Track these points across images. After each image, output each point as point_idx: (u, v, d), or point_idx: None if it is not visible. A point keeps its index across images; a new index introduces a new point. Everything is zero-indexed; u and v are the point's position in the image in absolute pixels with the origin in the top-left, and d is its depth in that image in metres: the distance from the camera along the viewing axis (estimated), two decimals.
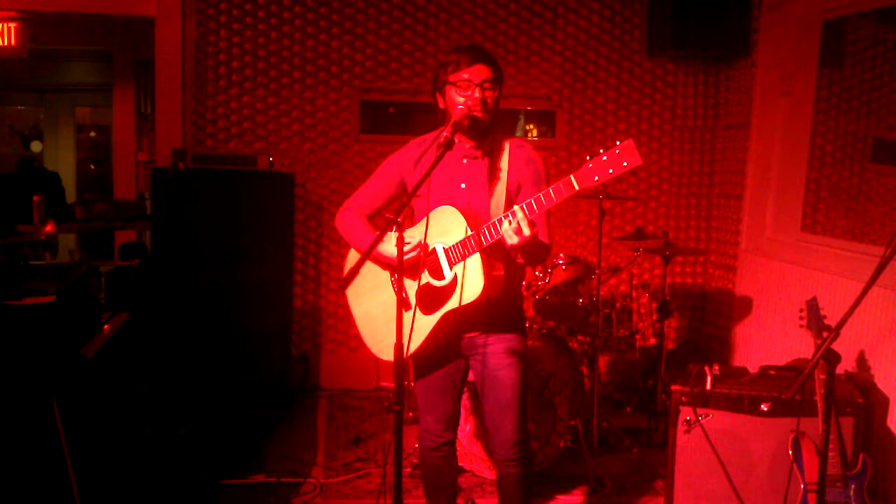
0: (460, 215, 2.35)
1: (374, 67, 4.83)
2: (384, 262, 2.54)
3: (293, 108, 4.81)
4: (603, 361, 4.69)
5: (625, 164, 2.05)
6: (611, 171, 2.07)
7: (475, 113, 2.38)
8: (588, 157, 2.10)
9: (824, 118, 4.56)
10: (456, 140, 2.49)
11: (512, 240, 2.18)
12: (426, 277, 2.42)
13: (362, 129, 4.88)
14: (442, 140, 2.28)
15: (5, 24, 6.10)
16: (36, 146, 9.72)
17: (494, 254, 2.37)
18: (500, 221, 2.22)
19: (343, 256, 4.95)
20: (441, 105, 2.49)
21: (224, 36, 4.72)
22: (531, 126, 5.17)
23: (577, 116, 5.04)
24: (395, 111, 4.94)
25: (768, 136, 4.55)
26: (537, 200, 2.19)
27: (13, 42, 6.17)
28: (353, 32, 4.80)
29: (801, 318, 2.92)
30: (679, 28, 4.58)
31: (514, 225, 2.17)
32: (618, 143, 2.06)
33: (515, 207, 2.17)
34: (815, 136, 4.52)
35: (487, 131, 2.48)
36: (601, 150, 2.08)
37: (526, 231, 2.16)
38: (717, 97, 5.10)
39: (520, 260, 2.42)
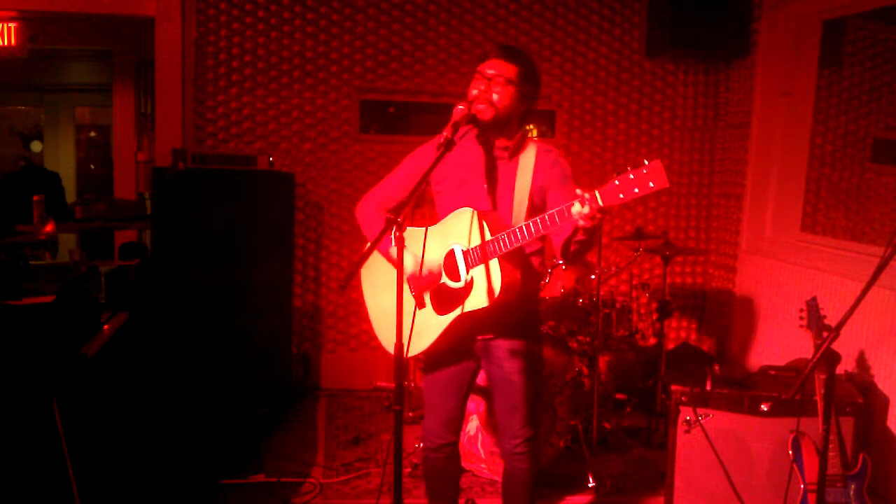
0: (481, 218, 2.34)
1: (374, 67, 4.83)
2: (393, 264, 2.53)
3: (293, 108, 4.81)
4: (603, 361, 4.69)
5: (651, 184, 1.99)
6: (636, 190, 2.00)
7: (479, 107, 2.37)
8: (615, 174, 2.04)
9: (824, 118, 4.56)
10: (480, 140, 2.48)
11: (582, 222, 2.10)
12: (443, 278, 2.42)
13: (362, 129, 4.87)
14: (441, 140, 2.27)
15: (5, 24, 6.09)
16: (36, 146, 9.72)
17: (512, 259, 2.36)
18: (570, 206, 2.11)
19: (343, 256, 4.98)
20: None
21: (224, 36, 4.72)
22: (531, 126, 5.17)
23: (577, 116, 5.04)
24: (395, 111, 4.93)
25: (768, 136, 4.55)
26: (560, 213, 2.15)
27: (13, 42, 6.16)
28: (353, 32, 4.79)
29: (801, 318, 2.92)
30: (679, 28, 4.58)
31: (586, 209, 2.07)
32: (645, 162, 2.00)
33: (596, 191, 2.07)
34: (815, 136, 4.53)
35: (504, 129, 2.46)
36: (629, 168, 2.01)
37: (594, 217, 2.08)
38: (717, 97, 5.10)
39: (577, 238, 2.29)
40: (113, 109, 7.53)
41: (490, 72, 2.39)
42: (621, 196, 2.02)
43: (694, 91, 5.10)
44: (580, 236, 2.24)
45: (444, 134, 2.29)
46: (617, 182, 2.03)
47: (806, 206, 4.55)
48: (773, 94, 4.50)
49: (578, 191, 2.08)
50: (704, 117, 5.13)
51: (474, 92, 2.39)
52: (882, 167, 4.68)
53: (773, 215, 4.55)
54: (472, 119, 2.38)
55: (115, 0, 4.83)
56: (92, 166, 9.66)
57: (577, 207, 2.09)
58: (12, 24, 6.11)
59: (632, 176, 2.01)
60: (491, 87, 2.38)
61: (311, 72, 4.80)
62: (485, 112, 2.39)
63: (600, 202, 2.05)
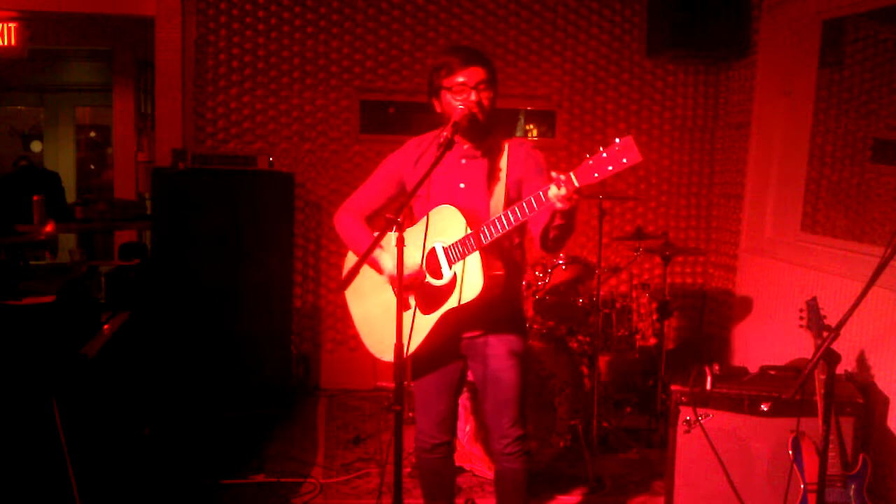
0: (459, 214, 2.35)
1: (374, 67, 4.83)
2: (378, 270, 2.53)
3: (293, 108, 4.81)
4: (603, 361, 4.69)
5: (624, 160, 2.02)
6: (610, 167, 2.04)
7: (474, 111, 2.38)
8: (588, 155, 2.08)
9: (824, 118, 4.56)
10: (455, 140, 2.49)
11: (560, 204, 2.12)
12: (426, 277, 2.42)
13: (362, 129, 4.87)
14: (442, 140, 2.28)
15: (5, 24, 6.10)
16: (36, 146, 9.72)
17: (494, 252, 2.36)
18: (547, 189, 2.14)
19: (343, 256, 4.97)
20: (438, 109, 2.50)
21: (224, 36, 4.72)
22: (531, 126, 5.17)
23: (577, 116, 5.04)
24: (395, 111, 4.93)
25: (768, 136, 4.54)
26: (536, 198, 2.17)
27: (13, 42, 6.16)
28: (353, 32, 4.79)
29: (801, 318, 2.91)
30: (679, 28, 4.57)
31: (563, 190, 2.10)
32: (617, 139, 2.03)
33: (570, 173, 2.10)
34: (815, 136, 4.52)
35: (486, 131, 2.48)
36: (601, 148, 2.05)
37: (571, 198, 2.10)
38: (717, 97, 5.10)
39: (559, 220, 2.28)
40: (113, 109, 7.54)
41: (467, 80, 2.38)
42: (596, 175, 2.06)
43: (694, 91, 5.10)
44: (558, 220, 2.25)
45: (445, 133, 2.31)
46: (591, 161, 2.06)
47: (806, 206, 4.54)
48: (773, 94, 4.49)
49: (554, 174, 2.12)
50: (704, 117, 5.13)
51: (457, 104, 2.38)
52: (882, 167, 4.67)
53: (773, 215, 4.55)
54: (472, 118, 2.39)
55: (115, 0, 4.83)
56: (92, 166, 9.65)
57: (553, 190, 2.11)
58: (12, 24, 6.12)
59: (605, 154, 2.05)
60: (479, 95, 2.39)
61: (311, 72, 4.80)
62: (482, 119, 2.41)
63: (575, 183, 2.08)
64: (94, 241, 6.44)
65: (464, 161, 2.50)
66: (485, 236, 2.29)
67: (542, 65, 4.95)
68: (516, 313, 2.61)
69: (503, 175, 2.46)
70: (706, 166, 5.16)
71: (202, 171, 4.30)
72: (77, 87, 9.24)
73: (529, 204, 2.21)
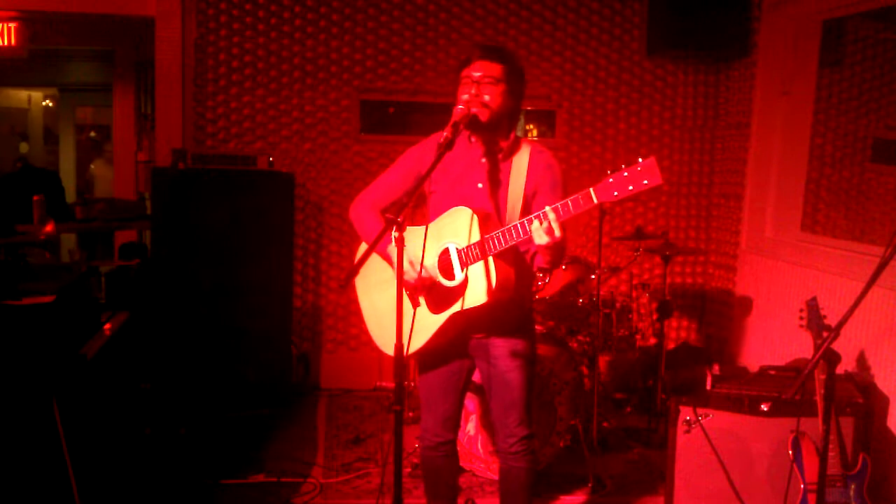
0: (474, 217, 2.35)
1: (374, 67, 4.83)
2: (391, 263, 2.53)
3: (293, 108, 4.81)
4: (603, 361, 4.69)
5: (645, 181, 2.03)
6: (630, 187, 2.05)
7: (473, 110, 2.37)
8: (609, 172, 2.08)
9: (824, 118, 4.56)
10: (473, 140, 2.50)
11: (542, 240, 2.15)
12: (437, 277, 2.42)
13: (362, 129, 4.87)
14: (442, 141, 2.28)
15: (5, 24, 6.10)
16: (23, 147, 9.71)
17: (506, 257, 2.36)
18: (529, 221, 2.18)
19: (343, 256, 4.99)
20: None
21: (224, 36, 4.72)
22: (531, 126, 5.17)
23: (577, 116, 5.04)
24: (395, 111, 4.93)
25: (768, 136, 4.55)
26: (555, 210, 2.17)
27: (13, 42, 6.17)
28: (353, 32, 4.79)
29: (801, 318, 2.92)
30: (679, 28, 4.58)
31: (545, 226, 2.14)
32: (640, 159, 2.04)
33: (547, 209, 2.14)
34: (815, 136, 4.52)
35: (500, 130, 2.47)
36: (623, 166, 2.06)
37: (557, 233, 2.14)
38: (717, 97, 5.10)
39: (543, 264, 2.37)
40: (113, 109, 7.53)
41: (477, 74, 2.39)
42: (615, 193, 2.07)
43: (694, 91, 5.10)
44: (544, 255, 2.31)
45: (445, 134, 2.30)
46: (611, 179, 2.07)
47: (806, 205, 4.55)
48: (773, 94, 4.49)
49: (548, 208, 2.14)
50: (704, 117, 5.13)
51: (465, 97, 2.39)
52: (882, 167, 4.67)
53: (773, 215, 4.55)
54: (471, 119, 2.38)
55: (115, 0, 4.83)
56: (92, 166, 9.65)
57: (535, 225, 2.15)
58: (12, 24, 6.12)
59: (626, 173, 2.06)
60: (481, 89, 2.39)
61: (311, 72, 4.80)
62: (481, 114, 2.40)
63: (594, 199, 2.10)
64: (94, 241, 6.44)
65: (483, 160, 2.49)
66: (497, 243, 2.29)
67: (542, 65, 4.95)
68: (525, 316, 2.62)
69: (522, 180, 2.45)
70: (706, 166, 5.16)
71: (202, 171, 4.30)
72: (77, 87, 9.23)
73: (516, 229, 2.24)
